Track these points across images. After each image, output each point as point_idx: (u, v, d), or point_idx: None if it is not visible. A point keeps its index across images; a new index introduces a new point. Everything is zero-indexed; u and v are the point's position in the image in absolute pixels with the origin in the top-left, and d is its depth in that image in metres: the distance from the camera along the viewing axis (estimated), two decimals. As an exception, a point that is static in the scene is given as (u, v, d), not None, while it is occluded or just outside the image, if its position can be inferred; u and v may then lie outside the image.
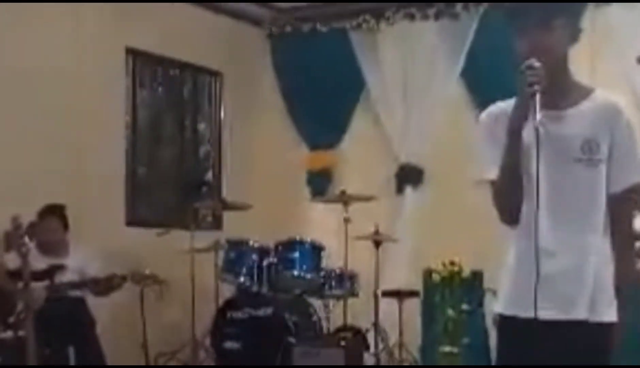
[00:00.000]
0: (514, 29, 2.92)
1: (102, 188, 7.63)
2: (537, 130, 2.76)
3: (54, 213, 6.62)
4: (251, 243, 7.60)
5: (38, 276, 6.17)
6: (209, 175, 9.11)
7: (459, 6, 8.43)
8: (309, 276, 7.55)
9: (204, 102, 9.17)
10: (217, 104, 9.18)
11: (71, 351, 6.26)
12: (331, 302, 7.76)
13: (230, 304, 7.36)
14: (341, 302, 7.68)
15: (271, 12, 9.29)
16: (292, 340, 7.04)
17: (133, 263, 6.98)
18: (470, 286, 7.15)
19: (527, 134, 2.84)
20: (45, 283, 6.32)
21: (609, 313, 2.88)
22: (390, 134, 8.83)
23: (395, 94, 8.78)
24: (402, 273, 8.28)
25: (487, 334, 7.02)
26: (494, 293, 3.14)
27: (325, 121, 9.04)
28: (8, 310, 6.24)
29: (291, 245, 7.62)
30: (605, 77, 7.00)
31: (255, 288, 7.48)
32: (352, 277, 7.70)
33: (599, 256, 2.88)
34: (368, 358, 7.47)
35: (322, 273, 7.60)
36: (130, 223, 8.06)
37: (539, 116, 2.74)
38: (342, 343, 7.19)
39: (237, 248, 7.58)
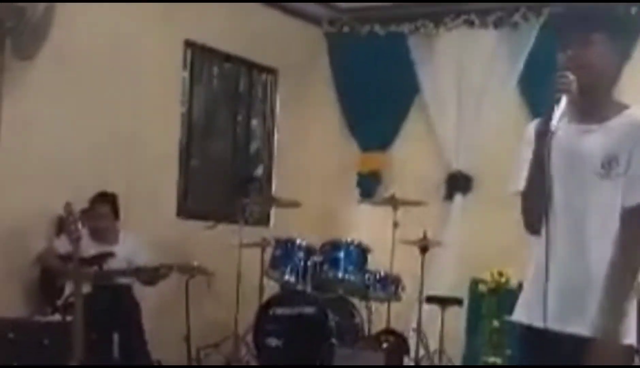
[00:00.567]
0: (558, 43, 2.98)
1: (155, 178, 7.69)
2: (551, 134, 2.85)
3: (106, 200, 6.70)
4: (298, 241, 7.62)
5: (87, 262, 6.26)
6: (259, 171, 9.15)
7: (518, 15, 8.39)
8: (353, 277, 7.56)
9: (258, 98, 9.20)
10: (271, 101, 9.21)
11: (116, 337, 6.33)
12: (374, 305, 7.76)
13: (273, 301, 7.38)
14: (383, 305, 7.68)
15: (330, 11, 9.31)
16: (333, 340, 7.05)
17: (181, 254, 7.06)
18: (516, 298, 7.08)
19: (555, 148, 2.90)
20: (94, 269, 6.43)
21: (622, 332, 2.85)
22: (442, 140, 8.80)
23: (450, 100, 8.75)
24: (446, 280, 8.26)
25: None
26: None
27: (378, 123, 9.03)
28: (57, 293, 6.36)
29: (337, 245, 7.63)
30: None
31: (299, 287, 7.50)
32: (396, 281, 7.69)
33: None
34: (408, 363, 7.46)
35: (366, 275, 7.60)
36: (180, 214, 8.13)
37: (555, 122, 2.84)
38: (384, 346, 7.19)
39: (284, 246, 7.61)
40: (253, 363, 7.46)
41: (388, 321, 7.58)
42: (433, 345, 7.68)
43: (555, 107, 2.86)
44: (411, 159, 8.95)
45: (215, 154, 8.85)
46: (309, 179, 9.03)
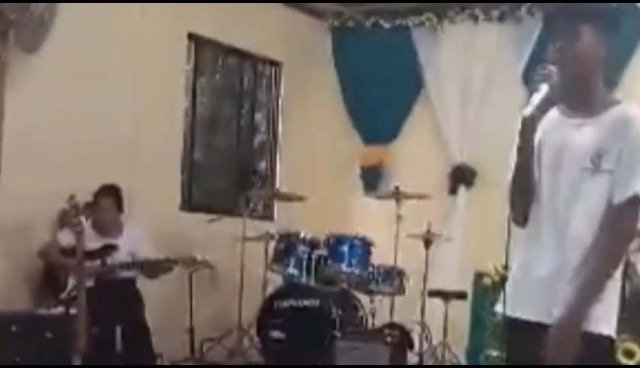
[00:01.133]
0: (548, 34, 3.01)
1: (159, 171, 7.68)
2: (524, 120, 2.89)
3: (109, 193, 6.68)
4: (302, 234, 7.63)
5: (91, 255, 6.26)
6: (262, 164, 9.15)
7: (523, 10, 8.37)
8: (357, 271, 7.56)
9: (262, 92, 9.20)
10: (275, 94, 9.21)
11: (118, 331, 6.32)
12: (377, 298, 7.76)
13: (277, 294, 7.39)
14: (387, 299, 7.68)
15: (335, 5, 9.29)
16: (337, 333, 7.05)
17: (184, 247, 7.05)
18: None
19: (545, 141, 2.94)
20: (97, 262, 6.42)
21: (602, 325, 2.87)
22: (446, 133, 8.80)
23: (454, 94, 8.75)
24: (450, 274, 8.25)
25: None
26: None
27: (383, 116, 9.03)
28: (60, 286, 6.35)
29: (341, 238, 7.63)
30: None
31: (303, 280, 7.51)
32: (400, 274, 7.69)
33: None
34: (411, 357, 7.46)
35: (370, 269, 7.60)
36: (183, 207, 8.13)
37: (530, 108, 2.87)
38: (387, 340, 7.18)
39: (288, 239, 7.61)
40: (256, 355, 7.46)
41: (392, 314, 7.57)
42: (437, 338, 7.68)
43: (535, 94, 2.88)
44: (415, 152, 8.95)
45: (220, 147, 8.86)
46: (313, 173, 9.02)
